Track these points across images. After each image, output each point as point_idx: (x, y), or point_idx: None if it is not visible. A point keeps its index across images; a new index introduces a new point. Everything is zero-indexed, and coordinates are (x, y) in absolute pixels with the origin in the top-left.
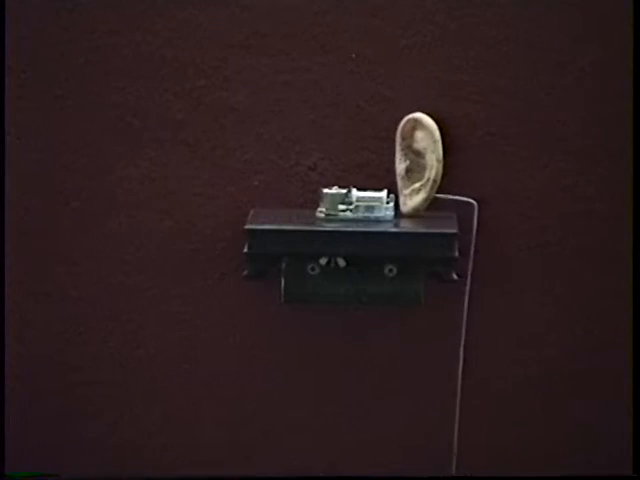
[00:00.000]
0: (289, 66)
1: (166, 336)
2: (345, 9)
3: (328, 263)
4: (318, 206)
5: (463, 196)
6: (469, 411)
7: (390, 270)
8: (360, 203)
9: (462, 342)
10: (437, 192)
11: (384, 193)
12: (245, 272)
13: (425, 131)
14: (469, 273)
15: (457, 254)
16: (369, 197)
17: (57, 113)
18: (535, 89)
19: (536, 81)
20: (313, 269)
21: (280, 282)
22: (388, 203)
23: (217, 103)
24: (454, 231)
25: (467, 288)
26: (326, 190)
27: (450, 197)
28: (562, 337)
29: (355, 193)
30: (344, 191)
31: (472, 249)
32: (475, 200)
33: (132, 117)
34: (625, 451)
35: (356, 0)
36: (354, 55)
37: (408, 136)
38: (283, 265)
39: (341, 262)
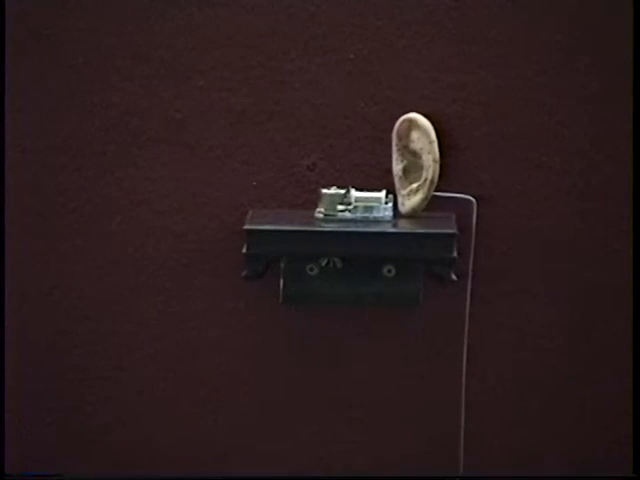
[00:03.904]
0: (288, 66)
1: (165, 336)
2: (344, 9)
3: (327, 263)
4: (317, 206)
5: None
6: (469, 411)
7: (389, 270)
8: (359, 203)
9: (465, 341)
10: (436, 192)
11: (383, 193)
12: (244, 272)
13: (420, 131)
14: (470, 270)
15: (456, 254)
16: (368, 197)
17: (57, 113)
18: (535, 89)
19: (536, 81)
20: (312, 269)
21: (279, 282)
22: (387, 203)
23: (216, 103)
24: (453, 231)
25: (468, 286)
26: (325, 190)
27: (449, 195)
28: (562, 337)
29: (354, 193)
30: (343, 191)
31: (472, 245)
32: (475, 199)
33: (132, 117)
34: (625, 451)
35: (355, 0)
36: (352, 55)
37: (404, 136)
38: (282, 265)
39: (338, 263)
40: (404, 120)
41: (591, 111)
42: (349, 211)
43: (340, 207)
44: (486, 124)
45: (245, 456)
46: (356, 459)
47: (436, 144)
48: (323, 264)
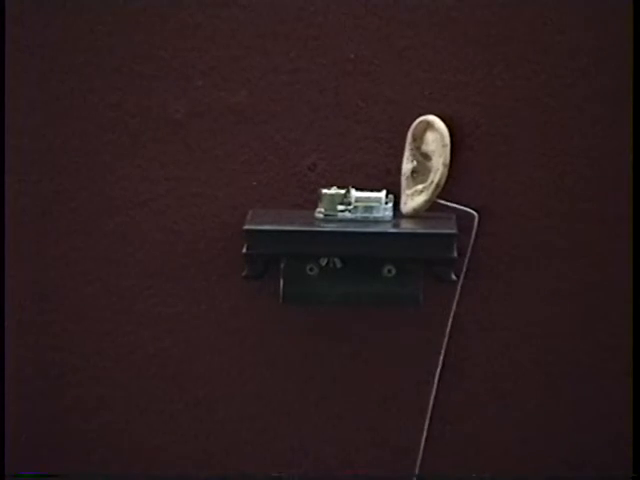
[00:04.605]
0: (288, 66)
1: (165, 336)
2: (345, 9)
3: (327, 263)
4: (317, 206)
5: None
6: (468, 411)
7: (389, 271)
8: (359, 203)
9: (445, 340)
10: (439, 199)
11: (383, 193)
12: (244, 273)
13: (436, 134)
14: (463, 271)
15: (456, 255)
16: (368, 197)
17: (57, 113)
18: (535, 89)
19: (536, 81)
20: (312, 269)
21: (279, 282)
22: (387, 203)
23: (216, 103)
24: (453, 232)
25: (457, 294)
26: (325, 190)
27: (452, 205)
28: (562, 337)
29: (354, 193)
30: (343, 191)
31: (467, 257)
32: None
33: (131, 117)
34: (625, 451)
35: (356, 0)
36: (353, 55)
37: (419, 137)
38: (282, 266)
39: (338, 263)
40: (421, 121)
41: (591, 111)
42: (349, 211)
43: (340, 207)
44: (486, 124)
45: (245, 456)
46: (356, 458)
47: (449, 149)
48: (323, 264)
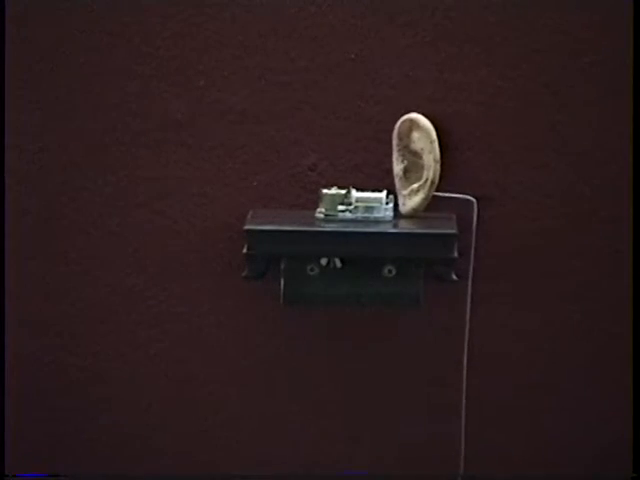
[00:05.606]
0: (288, 67)
1: (166, 336)
2: (345, 9)
3: (327, 264)
4: (317, 207)
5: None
6: (469, 411)
7: (389, 271)
8: (359, 204)
9: (465, 342)
10: (436, 192)
11: (383, 194)
12: (244, 273)
13: (421, 132)
14: (470, 271)
15: (456, 254)
16: (368, 198)
17: (57, 113)
18: (535, 89)
19: (536, 81)
20: (312, 270)
21: (279, 283)
22: (387, 204)
23: (216, 104)
24: (453, 231)
25: (469, 288)
26: (325, 191)
27: (449, 195)
28: (562, 337)
29: (354, 194)
30: (343, 192)
31: (473, 246)
32: (475, 199)
33: (132, 117)
34: (625, 451)
35: (356, 0)
36: (353, 55)
37: (405, 137)
38: (282, 266)
39: (337, 263)
40: (405, 120)
41: (591, 111)
42: (350, 211)
43: (341, 207)
44: (486, 124)
45: (245, 456)
46: (356, 459)
47: (437, 144)
48: (323, 264)
